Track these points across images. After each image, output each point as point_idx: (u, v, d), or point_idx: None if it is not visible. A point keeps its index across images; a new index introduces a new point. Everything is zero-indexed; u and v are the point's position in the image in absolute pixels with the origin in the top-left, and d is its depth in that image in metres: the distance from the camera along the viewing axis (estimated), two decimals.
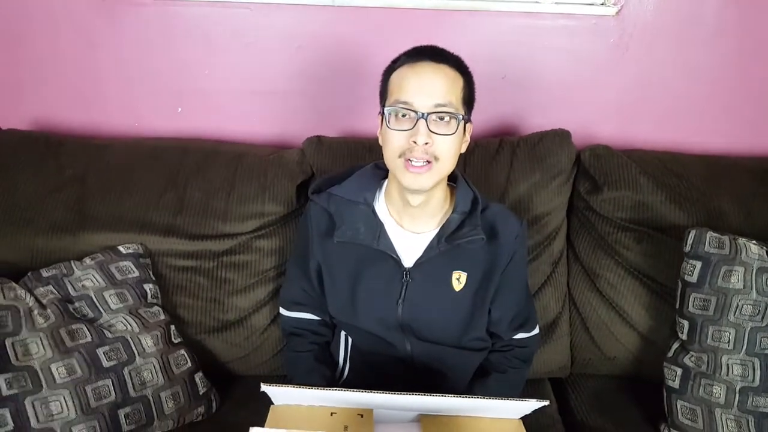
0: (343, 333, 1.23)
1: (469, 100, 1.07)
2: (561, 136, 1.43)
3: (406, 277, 1.12)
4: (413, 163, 1.02)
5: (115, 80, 1.56)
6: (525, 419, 0.97)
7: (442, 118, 1.02)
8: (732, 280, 1.20)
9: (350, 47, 1.52)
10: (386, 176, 1.16)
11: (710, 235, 1.23)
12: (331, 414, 0.94)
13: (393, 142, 1.03)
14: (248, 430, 0.82)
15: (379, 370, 1.18)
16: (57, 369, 1.12)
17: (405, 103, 1.01)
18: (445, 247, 1.11)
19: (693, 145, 1.56)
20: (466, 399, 0.93)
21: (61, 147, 1.43)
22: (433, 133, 1.01)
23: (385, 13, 1.48)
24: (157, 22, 1.51)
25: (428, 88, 1.01)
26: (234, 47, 1.52)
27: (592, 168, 1.41)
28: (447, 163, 1.04)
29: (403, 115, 1.02)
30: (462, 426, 0.95)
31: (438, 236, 1.12)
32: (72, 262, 1.26)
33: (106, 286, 1.24)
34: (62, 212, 1.33)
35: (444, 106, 1.01)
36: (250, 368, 1.39)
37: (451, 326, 1.16)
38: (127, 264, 1.28)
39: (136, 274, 1.28)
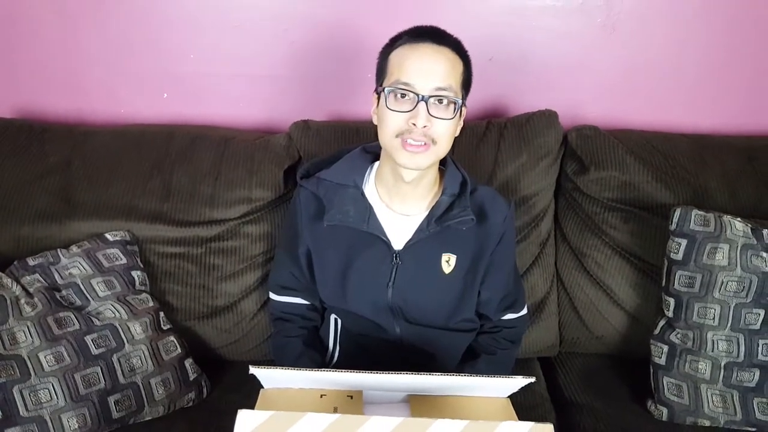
0: (332, 316, 1.23)
1: (467, 84, 1.07)
2: (548, 116, 1.43)
3: (395, 259, 1.12)
4: (411, 142, 1.01)
5: (99, 66, 1.54)
6: (514, 398, 0.97)
7: (441, 102, 1.01)
8: (717, 258, 1.21)
9: (337, 30, 1.50)
10: (375, 159, 1.16)
11: (695, 213, 1.24)
12: (321, 396, 0.94)
13: (391, 123, 1.02)
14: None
15: (369, 353, 1.18)
16: (45, 357, 1.11)
17: (405, 84, 1.00)
18: (435, 229, 1.11)
19: (682, 125, 1.56)
20: (454, 377, 0.93)
21: (44, 134, 1.41)
22: (433, 116, 1.00)
23: None
24: (142, 5, 1.48)
25: (429, 70, 1.00)
26: (220, 30, 1.50)
27: (579, 148, 1.42)
28: (443, 146, 1.04)
29: (403, 96, 1.01)
30: (450, 405, 0.95)
31: (428, 218, 1.12)
32: (58, 250, 1.25)
33: (94, 274, 1.24)
34: (47, 200, 1.32)
35: (444, 90, 1.00)
36: (240, 354, 1.39)
37: (441, 309, 1.16)
38: (115, 251, 1.27)
39: (124, 261, 1.27)
